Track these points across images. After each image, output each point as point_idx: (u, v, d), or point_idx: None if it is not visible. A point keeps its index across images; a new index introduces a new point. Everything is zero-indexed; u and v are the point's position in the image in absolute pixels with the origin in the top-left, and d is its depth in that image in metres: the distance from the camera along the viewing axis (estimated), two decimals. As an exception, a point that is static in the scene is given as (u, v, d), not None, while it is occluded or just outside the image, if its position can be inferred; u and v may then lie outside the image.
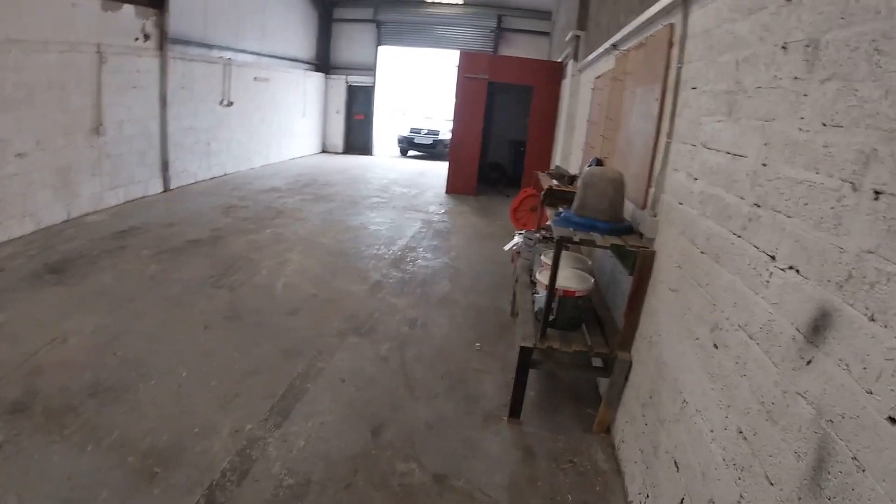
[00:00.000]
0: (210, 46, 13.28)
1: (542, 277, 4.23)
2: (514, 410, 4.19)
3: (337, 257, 7.96)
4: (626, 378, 3.97)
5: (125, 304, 6.13)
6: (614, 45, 6.08)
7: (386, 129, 22.18)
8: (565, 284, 4.12)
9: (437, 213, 10.85)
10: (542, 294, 4.21)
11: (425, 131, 19.63)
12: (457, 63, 13.11)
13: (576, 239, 3.87)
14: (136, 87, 10.43)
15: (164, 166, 11.52)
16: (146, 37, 10.56)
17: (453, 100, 13.07)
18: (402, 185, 13.79)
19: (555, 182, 6.08)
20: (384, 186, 13.60)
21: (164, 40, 10.96)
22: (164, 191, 11.57)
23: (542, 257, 4.66)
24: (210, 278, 6.93)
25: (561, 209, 4.72)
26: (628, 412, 3.84)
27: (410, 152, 20.39)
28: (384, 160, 18.73)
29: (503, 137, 15.14)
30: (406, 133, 19.94)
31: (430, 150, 19.58)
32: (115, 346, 5.29)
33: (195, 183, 12.67)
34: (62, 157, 8.84)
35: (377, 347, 5.37)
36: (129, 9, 10.01)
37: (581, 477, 3.66)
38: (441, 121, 19.90)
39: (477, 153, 13.22)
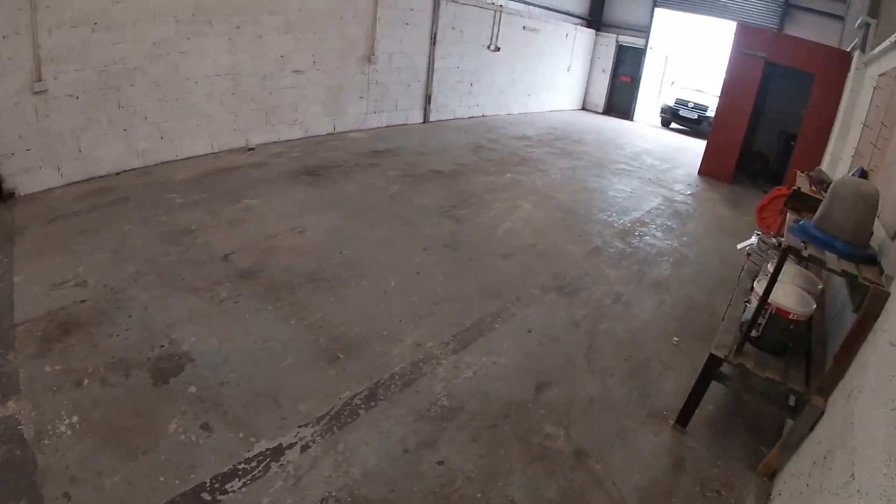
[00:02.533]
0: (485, -9, 13.43)
1: (760, 287, 3.66)
2: (683, 418, 3.77)
3: (566, 214, 7.71)
4: (812, 427, 3.24)
5: (362, 214, 6.53)
6: None
7: (651, 95, 20.95)
8: (781, 301, 3.50)
9: (682, 194, 9.93)
10: (754, 304, 3.65)
11: (692, 104, 18.07)
12: (733, 35, 11.83)
13: (804, 253, 3.22)
14: (409, 24, 10.97)
15: (427, 99, 12.08)
16: (422, -26, 10.96)
17: (723, 75, 11.85)
18: (655, 157, 12.90)
19: (810, 185, 5.18)
20: (635, 154, 12.85)
21: (441, -21, 11.31)
22: (423, 122, 12.17)
23: (770, 266, 4.07)
24: (441, 208, 7.12)
25: (803, 217, 3.97)
26: (799, 465, 3.17)
27: (673, 124, 18.99)
28: (643, 128, 17.73)
29: (772, 126, 13.31)
30: (671, 103, 18.51)
31: (695, 126, 18.04)
32: (343, 246, 5.68)
33: (453, 119, 13.12)
34: (335, 78, 9.67)
35: (573, 311, 5.16)
36: None
37: None
38: (711, 96, 18.21)
39: (740, 137, 11.76)
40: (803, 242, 3.38)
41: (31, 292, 4.35)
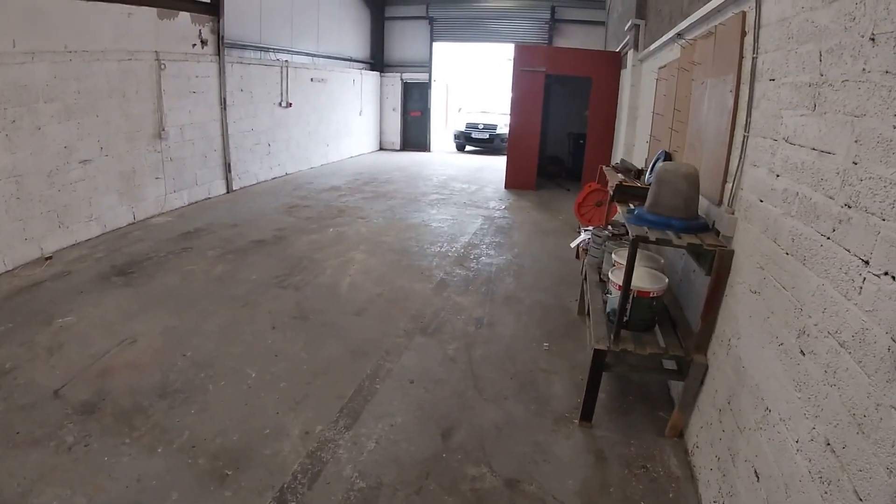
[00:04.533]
0: (266, 49, 13.48)
1: (616, 277, 4.07)
2: (586, 414, 4.11)
3: (400, 255, 7.95)
4: (702, 382, 3.78)
5: (192, 305, 6.23)
6: (679, 35, 5.86)
7: (442, 124, 22.09)
8: (639, 285, 3.95)
9: (498, 210, 10.73)
10: (614, 294, 4.05)
11: (482, 126, 19.46)
12: (512, 56, 12.93)
13: (651, 238, 3.71)
14: (196, 92, 10.66)
15: (227, 168, 11.76)
16: (203, 42, 10.77)
17: (510, 94, 12.90)
18: (461, 181, 13.72)
19: (621, 177, 5.91)
20: (443, 183, 13.56)
21: (221, 45, 11.16)
22: (227, 192, 11.83)
23: (614, 256, 4.56)
24: (275, 278, 7.00)
25: (632, 205, 4.56)
26: (703, 417, 3.70)
27: (467, 147, 20.29)
28: (442, 156, 18.69)
29: (561, 130, 14.88)
30: (462, 128, 19.82)
31: (488, 145, 19.43)
32: (184, 347, 5.37)
33: (257, 184, 12.93)
34: (126, 162, 9.10)
35: (444, 347, 5.33)
36: (184, 16, 10.22)
37: (654, 483, 3.56)
38: (497, 115, 19.64)
39: (536, 147, 13.01)
40: (646, 229, 3.83)
41: None
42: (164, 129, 9.79)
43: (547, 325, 5.84)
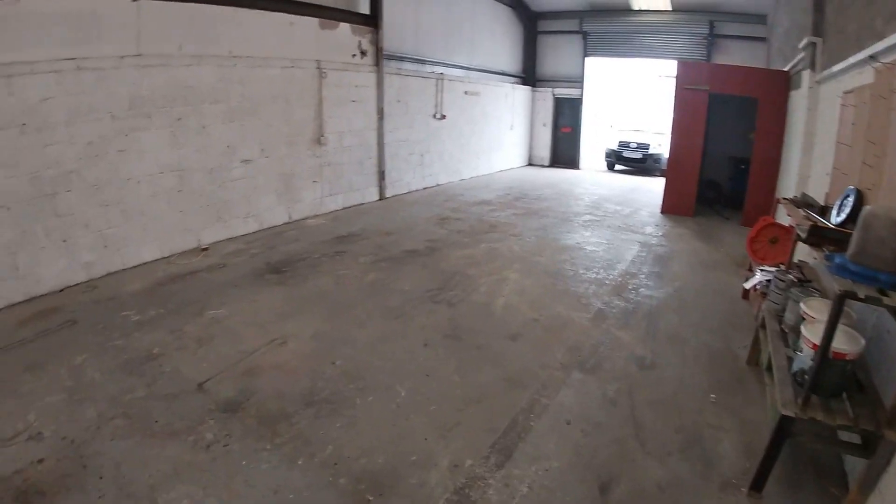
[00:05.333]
0: (423, 61, 13.48)
1: (809, 334, 3.55)
2: (758, 483, 3.54)
3: (555, 279, 7.34)
4: (889, 462, 3.12)
5: (344, 312, 5.95)
6: (872, 57, 4.89)
7: (592, 141, 21.24)
8: (835, 345, 3.29)
9: (655, 236, 9.84)
10: (805, 353, 3.55)
11: (634, 145, 18.35)
12: (675, 73, 12.01)
13: (861, 295, 3.03)
14: (355, 101, 10.72)
15: (381, 175, 11.75)
16: (363, 53, 10.83)
17: (671, 113, 11.94)
18: (615, 202, 12.90)
19: (803, 213, 5.02)
20: (595, 203, 12.80)
21: (380, 56, 11.19)
22: (380, 199, 11.83)
23: (804, 307, 3.94)
24: (428, 292, 6.62)
25: (826, 250, 3.84)
26: (885, 502, 3.09)
27: (617, 166, 19.29)
28: (591, 174, 17.86)
29: (720, 153, 13.56)
30: (614, 146, 18.80)
31: (640, 165, 18.30)
32: (334, 354, 5.05)
33: (408, 193, 12.86)
34: (285, 164, 9.28)
35: (604, 387, 4.75)
36: (345, 27, 10.31)
37: None
38: (650, 134, 18.54)
39: (696, 171, 11.92)
40: (850, 282, 3.17)
41: None
42: (323, 136, 9.88)
43: (714, 373, 5.03)
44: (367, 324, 5.69)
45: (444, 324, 5.79)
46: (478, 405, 4.38)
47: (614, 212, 11.83)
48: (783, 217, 6.80)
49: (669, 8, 16.59)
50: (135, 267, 7.03)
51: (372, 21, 10.93)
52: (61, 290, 6.27)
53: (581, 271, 7.66)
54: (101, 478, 3.47)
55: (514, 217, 10.86)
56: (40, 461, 3.59)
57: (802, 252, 5.51)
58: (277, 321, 5.63)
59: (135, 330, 5.35)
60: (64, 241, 6.41)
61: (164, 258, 7.32)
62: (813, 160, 7.90)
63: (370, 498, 3.36)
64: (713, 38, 16.61)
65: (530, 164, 19.66)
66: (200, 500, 3.33)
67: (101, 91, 6.60)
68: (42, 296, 6.12)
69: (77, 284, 6.45)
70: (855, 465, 3.56)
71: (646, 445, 3.98)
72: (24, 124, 5.94)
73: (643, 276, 7.57)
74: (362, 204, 11.25)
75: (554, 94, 19.23)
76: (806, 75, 8.42)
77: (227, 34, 8.05)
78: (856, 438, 3.52)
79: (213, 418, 4.08)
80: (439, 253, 8.19)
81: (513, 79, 18.34)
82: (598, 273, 7.60)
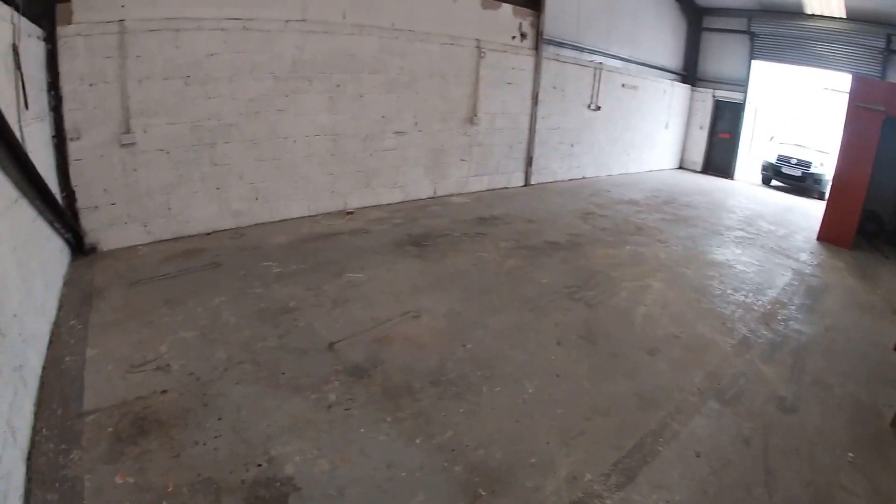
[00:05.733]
0: (581, 49, 12.87)
1: None
2: None
3: (700, 295, 6.72)
4: None
5: (480, 295, 5.72)
6: None
7: (749, 151, 19.71)
8: None
9: (809, 265, 8.80)
10: None
11: (794, 161, 16.61)
12: (847, 88, 10.67)
13: None
14: (511, 84, 10.45)
15: (528, 161, 11.44)
16: (522, 36, 10.53)
17: (838, 131, 10.63)
18: (769, 221, 11.79)
19: None
20: (748, 219, 11.76)
21: (540, 40, 10.85)
22: (525, 185, 11.51)
23: None
24: (567, 288, 6.25)
25: None
26: None
27: (774, 181, 17.71)
28: (745, 187, 16.46)
29: (888, 184, 11.98)
30: (772, 160, 17.09)
31: (798, 183, 16.55)
32: (466, 337, 4.84)
33: (554, 182, 12.43)
34: (437, 140, 9.21)
35: (740, 423, 4.21)
36: (507, 8, 10.07)
37: None
38: (813, 151, 16.78)
39: (861, 200, 10.52)
40: None
41: (106, 372, 3.76)
42: (476, 115, 9.72)
43: (855, 429, 4.37)
44: (501, 311, 5.44)
45: (579, 324, 5.43)
46: (605, 417, 4.05)
47: (768, 231, 10.83)
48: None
49: (844, 15, 14.94)
50: (281, 221, 7.19)
51: (534, 4, 10.62)
52: (208, 234, 6.51)
53: (729, 291, 6.97)
54: (219, 419, 3.47)
55: (662, 222, 10.18)
56: (164, 392, 3.65)
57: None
58: (413, 294, 5.51)
59: (274, 281, 5.41)
60: (217, 188, 6.65)
61: (310, 217, 7.47)
62: None
63: (482, 493, 3.16)
64: (889, 54, 14.76)
65: (681, 168, 18.53)
66: (312, 460, 3.25)
67: (265, 52, 6.81)
68: (189, 236, 6.40)
69: (224, 230, 6.69)
70: None
71: (773, 496, 3.53)
72: (188, 76, 6.22)
73: (794, 307, 6.76)
74: (506, 188, 11.00)
75: (714, 96, 17.90)
76: None
77: (390, 7, 8.09)
78: None
79: (339, 380, 4.00)
80: (581, 249, 7.77)
81: (672, 75, 17.26)
82: (746, 296, 6.87)
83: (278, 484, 3.03)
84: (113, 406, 3.44)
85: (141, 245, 6.03)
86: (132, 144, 5.94)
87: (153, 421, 3.36)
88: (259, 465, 3.14)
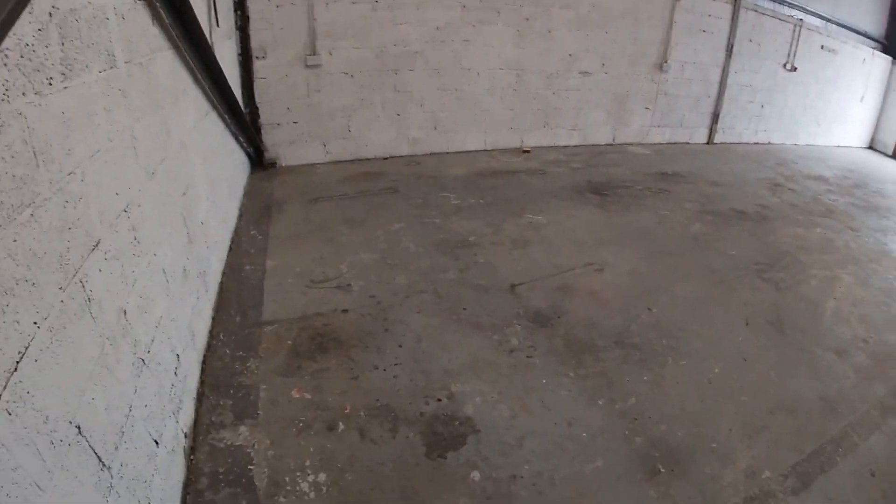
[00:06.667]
0: (781, 2, 11.57)
1: None
2: None
3: (890, 300, 5.93)
4: None
5: (665, 258, 5.39)
6: None
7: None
8: None
9: None
10: None
11: None
12: None
13: None
14: (706, 31, 9.61)
15: (714, 118, 10.62)
16: (721, -21, 9.62)
17: None
18: None
19: None
20: None
21: (738, -14, 9.89)
22: (707, 143, 10.73)
23: None
24: (756, 265, 5.78)
25: None
26: None
27: (975, 185, 15.53)
28: (943, 183, 14.72)
29: None
30: None
31: None
32: (651, 300, 4.57)
33: (738, 143, 11.49)
34: (622, 84, 8.70)
35: None
36: None
37: None
38: None
39: None
40: None
41: (285, 285, 3.82)
42: (666, 62, 9.05)
43: None
44: (687, 278, 5.10)
45: (767, 307, 5.01)
46: (788, 415, 3.75)
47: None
48: None
49: None
50: (457, 153, 7.13)
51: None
52: (386, 159, 6.53)
53: None
54: (400, 346, 3.45)
55: (853, 208, 9.18)
56: (344, 311, 3.66)
57: None
58: (595, 245, 5.27)
59: (453, 213, 5.34)
60: (398, 114, 6.65)
61: (486, 151, 7.34)
62: None
63: (661, 469, 3.00)
64: None
65: (871, 148, 16.67)
66: (492, 403, 3.18)
67: (455, -22, 6.62)
68: (367, 159, 6.42)
69: (401, 157, 6.72)
70: None
71: None
72: (376, 1, 6.16)
73: None
74: (688, 143, 10.31)
75: (918, 74, 15.81)
76: None
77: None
78: None
79: (521, 325, 3.88)
80: (769, 223, 7.16)
81: (873, 43, 15.30)
82: None
83: (457, 423, 2.98)
84: (292, 319, 3.50)
85: (319, 164, 6.14)
86: (317, 66, 6.03)
87: (332, 339, 3.38)
88: (439, 400, 3.10)
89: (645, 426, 3.28)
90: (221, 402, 2.83)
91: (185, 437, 2.55)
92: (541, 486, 2.75)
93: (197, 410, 2.78)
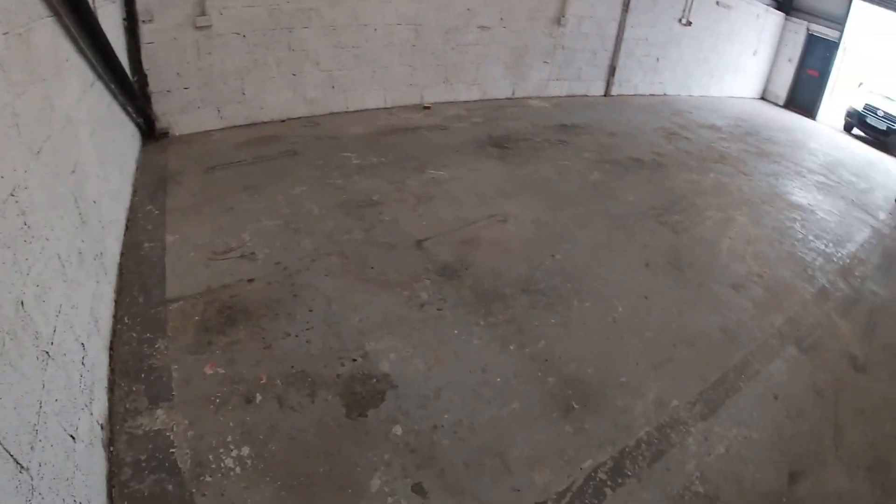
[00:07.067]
0: (677, -42, 11.97)
1: None
2: None
3: (783, 237, 6.53)
4: None
5: (566, 206, 5.54)
6: None
7: (833, 93, 18.61)
8: None
9: (888, 226, 8.35)
10: None
11: (882, 113, 15.51)
12: None
13: None
14: (603, -14, 9.80)
15: (611, 71, 10.86)
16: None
17: None
18: (850, 171, 11.15)
19: None
20: (830, 165, 11.15)
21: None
22: (605, 95, 11.01)
23: None
24: (653, 210, 6.06)
25: None
26: None
27: (855, 130, 16.75)
28: (827, 130, 15.58)
29: None
30: (858, 108, 16.18)
31: (881, 137, 15.51)
32: (554, 247, 4.71)
33: (634, 95, 11.85)
34: (521, 39, 8.70)
35: (815, 375, 4.28)
36: None
37: None
38: None
39: None
40: None
41: (187, 259, 3.68)
42: (564, 16, 9.09)
43: None
44: (588, 225, 5.29)
45: (666, 249, 5.31)
46: (691, 347, 4.05)
47: (849, 182, 10.31)
48: None
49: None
50: (357, 111, 6.96)
51: None
52: (283, 121, 6.35)
53: (810, 238, 6.78)
54: (310, 310, 3.40)
55: (745, 154, 9.73)
56: (251, 280, 3.56)
57: None
58: (498, 197, 5.34)
59: (355, 173, 5.25)
60: (293, 74, 6.42)
61: (387, 108, 7.22)
62: None
63: (575, 406, 3.19)
64: None
65: (763, 99, 17.61)
66: (407, 358, 3.21)
67: (351, -71, 6.39)
68: (264, 123, 6.24)
69: (298, 118, 6.51)
70: None
71: (839, 450, 3.69)
72: None
73: (870, 266, 6.59)
74: (586, 95, 10.54)
75: (808, 30, 16.76)
76: None
77: None
78: None
79: (429, 279, 3.91)
80: (665, 170, 7.49)
81: (768, 0, 16.15)
82: (826, 245, 6.69)
83: (374, 381, 3.00)
84: (197, 294, 3.38)
85: (214, 130, 5.89)
86: (207, 27, 5.68)
87: (241, 310, 3.30)
88: (354, 360, 3.09)
89: (556, 367, 3.42)
90: (134, 388, 2.71)
91: (102, 428, 2.42)
92: (461, 433, 2.82)
93: (110, 399, 2.65)
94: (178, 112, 5.73)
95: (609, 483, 2.78)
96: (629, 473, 2.87)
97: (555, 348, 3.55)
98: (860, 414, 4.02)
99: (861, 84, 18.02)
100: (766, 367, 4.13)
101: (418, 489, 2.47)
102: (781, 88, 17.34)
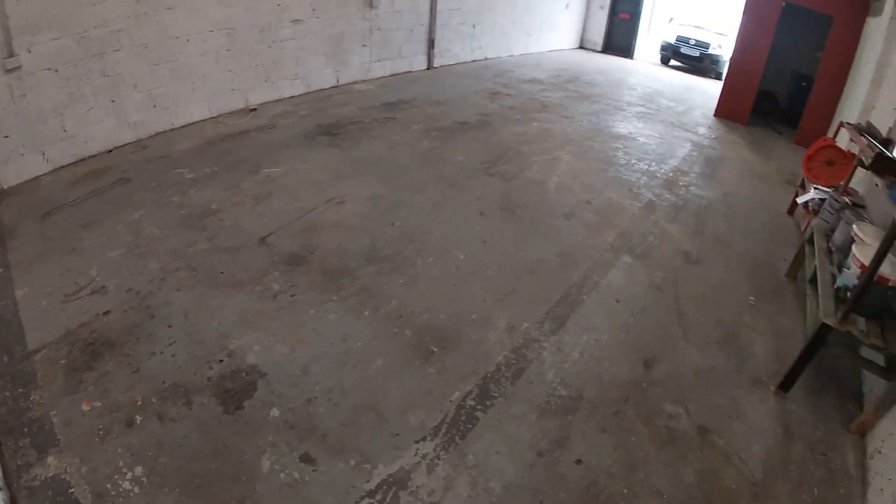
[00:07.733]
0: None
1: (861, 254, 3.64)
2: (786, 384, 3.74)
3: (607, 165, 7.20)
4: None
5: (400, 177, 5.87)
6: None
7: (648, 32, 19.94)
8: (882, 270, 3.37)
9: (708, 138, 9.39)
10: (851, 271, 3.67)
11: (693, 42, 16.96)
12: None
13: None
14: (407, -37, 10.09)
15: (430, 44, 11.19)
16: None
17: (739, 14, 11.05)
18: (669, 98, 12.22)
19: (865, 141, 4.79)
20: (649, 95, 12.15)
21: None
22: (428, 68, 11.34)
23: (857, 229, 4.01)
24: (482, 164, 6.50)
25: (889, 180, 3.90)
26: None
27: (672, 62, 18.14)
28: (645, 66, 16.75)
29: (782, 66, 12.58)
30: (671, 41, 17.40)
31: (696, 63, 17.01)
32: (393, 216, 5.04)
33: (457, 64, 12.30)
34: (336, 26, 8.84)
35: (651, 275, 4.84)
36: None
37: (830, 474, 3.16)
38: (712, 34, 17.09)
39: (757, 80, 11.04)
40: None
41: (41, 308, 3.63)
42: (375, -2, 9.34)
43: (754, 279, 5.09)
44: (422, 190, 5.64)
45: (498, 196, 5.76)
46: (532, 276, 4.50)
47: (668, 107, 11.32)
48: (842, 141, 6.48)
49: None
50: (183, 126, 6.88)
51: None
52: (110, 151, 6.17)
53: (633, 161, 7.52)
54: (170, 326, 3.50)
55: (566, 100, 10.44)
56: (106, 313, 3.60)
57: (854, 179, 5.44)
58: (333, 182, 5.56)
59: (190, 187, 5.29)
60: (112, 101, 6.25)
61: (213, 118, 7.18)
62: (881, 92, 7.26)
63: (434, 349, 3.53)
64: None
65: (582, 48, 18.59)
66: (270, 346, 3.40)
67: (145, -55, 6.24)
68: (91, 156, 6.02)
69: (126, 144, 6.34)
70: (873, 388, 3.71)
71: (687, 333, 4.13)
72: None
73: (694, 175, 7.41)
74: (410, 72, 10.84)
75: (616, -24, 17.87)
76: (890, 3, 7.57)
77: None
78: (881, 360, 3.61)
79: (278, 270, 4.10)
80: (491, 127, 7.96)
81: (574, -45, 17.07)
82: (649, 165, 7.45)
83: (244, 374, 3.18)
84: (58, 339, 3.38)
85: (42, 175, 5.65)
86: (17, 68, 5.33)
87: (103, 343, 3.35)
88: (221, 361, 3.25)
89: (410, 320, 3.74)
90: (21, 444, 2.71)
91: (1, 490, 2.45)
92: (335, 398, 3.06)
93: (1, 461, 2.65)
94: (1, 164, 5.49)
95: (479, 407, 3.14)
96: (496, 395, 3.23)
97: (406, 304, 3.88)
98: (701, 300, 4.56)
99: (672, 19, 19.46)
100: (605, 277, 4.65)
101: (306, 458, 2.70)
102: (598, 35, 18.41)
